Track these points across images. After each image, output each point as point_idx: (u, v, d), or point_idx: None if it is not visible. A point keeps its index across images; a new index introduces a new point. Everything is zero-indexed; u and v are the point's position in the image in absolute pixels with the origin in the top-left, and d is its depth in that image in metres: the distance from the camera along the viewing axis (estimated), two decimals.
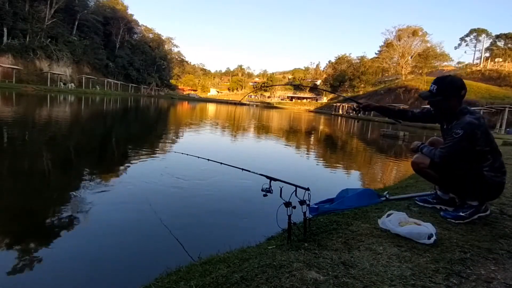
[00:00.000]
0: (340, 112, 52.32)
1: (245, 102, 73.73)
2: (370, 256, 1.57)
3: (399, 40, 59.10)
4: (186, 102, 55.27)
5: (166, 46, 78.35)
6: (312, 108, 71.01)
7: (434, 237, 1.72)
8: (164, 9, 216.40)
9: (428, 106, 2.32)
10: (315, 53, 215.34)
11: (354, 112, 2.85)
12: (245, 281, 1.32)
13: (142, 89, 62.84)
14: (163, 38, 76.63)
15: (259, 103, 75.08)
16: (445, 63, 57.90)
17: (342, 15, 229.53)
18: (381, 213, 2.15)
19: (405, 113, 2.52)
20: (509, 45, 58.22)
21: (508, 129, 22.09)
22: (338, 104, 57.51)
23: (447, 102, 2.11)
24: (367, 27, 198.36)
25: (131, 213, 3.19)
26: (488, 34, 61.03)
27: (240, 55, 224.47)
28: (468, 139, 1.98)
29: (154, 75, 67.60)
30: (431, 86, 2.16)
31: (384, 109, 2.62)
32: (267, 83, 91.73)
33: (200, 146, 8.37)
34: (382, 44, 66.40)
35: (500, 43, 60.10)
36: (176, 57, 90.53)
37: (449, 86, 2.10)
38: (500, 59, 51.63)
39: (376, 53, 70.01)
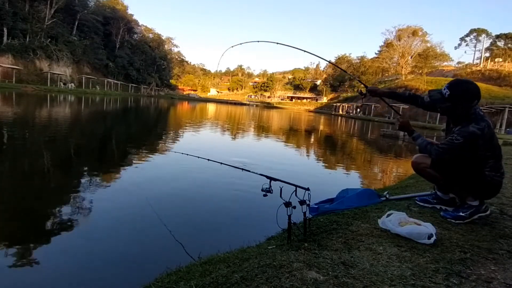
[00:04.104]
0: (340, 112, 52.39)
1: (245, 102, 73.78)
2: (370, 256, 1.56)
3: (399, 40, 59.17)
4: (186, 102, 55.28)
5: (166, 46, 78.39)
6: (312, 108, 71.07)
7: (434, 237, 1.72)
8: (164, 9, 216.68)
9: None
10: (315, 52, 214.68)
11: (361, 97, 2.77)
12: (245, 281, 1.32)
13: (142, 89, 62.85)
14: (163, 38, 76.73)
15: (259, 103, 75.14)
16: (445, 63, 58.01)
17: (342, 15, 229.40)
18: (381, 213, 2.15)
19: (415, 99, 2.46)
20: (509, 45, 58.25)
21: (508, 129, 22.07)
22: (338, 104, 57.59)
23: (455, 109, 2.04)
24: (367, 27, 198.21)
25: (131, 213, 3.19)
26: (488, 34, 61.08)
27: (240, 55, 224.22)
28: (468, 148, 1.96)
29: (154, 75, 67.62)
30: (444, 88, 2.02)
31: (393, 95, 2.59)
32: (267, 83, 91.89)
33: (200, 146, 8.37)
34: (382, 44, 66.62)
35: (500, 43, 60.12)
36: (176, 57, 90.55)
37: (462, 94, 1.98)
38: (500, 59, 51.67)
39: (376, 53, 70.22)
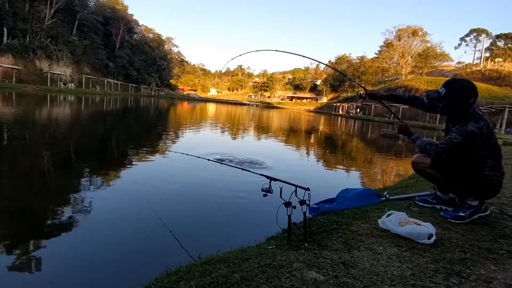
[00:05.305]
0: (340, 112, 52.42)
1: (245, 102, 73.88)
2: (370, 256, 1.56)
3: (399, 40, 59.20)
4: (186, 102, 55.27)
5: (166, 46, 78.42)
6: (312, 108, 71.07)
7: (434, 237, 1.72)
8: (164, 9, 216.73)
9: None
10: (315, 53, 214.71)
11: (360, 99, 2.85)
12: (245, 281, 1.32)
13: (142, 89, 62.85)
14: (163, 38, 76.75)
15: (259, 103, 75.15)
16: (445, 63, 58.02)
17: (342, 15, 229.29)
18: (381, 213, 2.15)
19: (415, 101, 2.49)
20: (509, 45, 58.27)
21: (508, 129, 22.06)
22: (338, 104, 57.61)
23: (454, 107, 2.06)
24: (367, 27, 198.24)
25: (131, 213, 3.19)
26: (488, 34, 61.09)
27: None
28: (466, 147, 1.97)
29: (154, 75, 67.62)
30: (440, 87, 2.07)
31: (393, 97, 2.62)
32: (267, 83, 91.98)
33: (200, 146, 8.37)
34: (382, 44, 66.63)
35: (500, 43, 60.14)
36: (176, 57, 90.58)
37: (459, 92, 2.01)
38: (500, 59, 51.68)
39: (376, 53, 70.21)
